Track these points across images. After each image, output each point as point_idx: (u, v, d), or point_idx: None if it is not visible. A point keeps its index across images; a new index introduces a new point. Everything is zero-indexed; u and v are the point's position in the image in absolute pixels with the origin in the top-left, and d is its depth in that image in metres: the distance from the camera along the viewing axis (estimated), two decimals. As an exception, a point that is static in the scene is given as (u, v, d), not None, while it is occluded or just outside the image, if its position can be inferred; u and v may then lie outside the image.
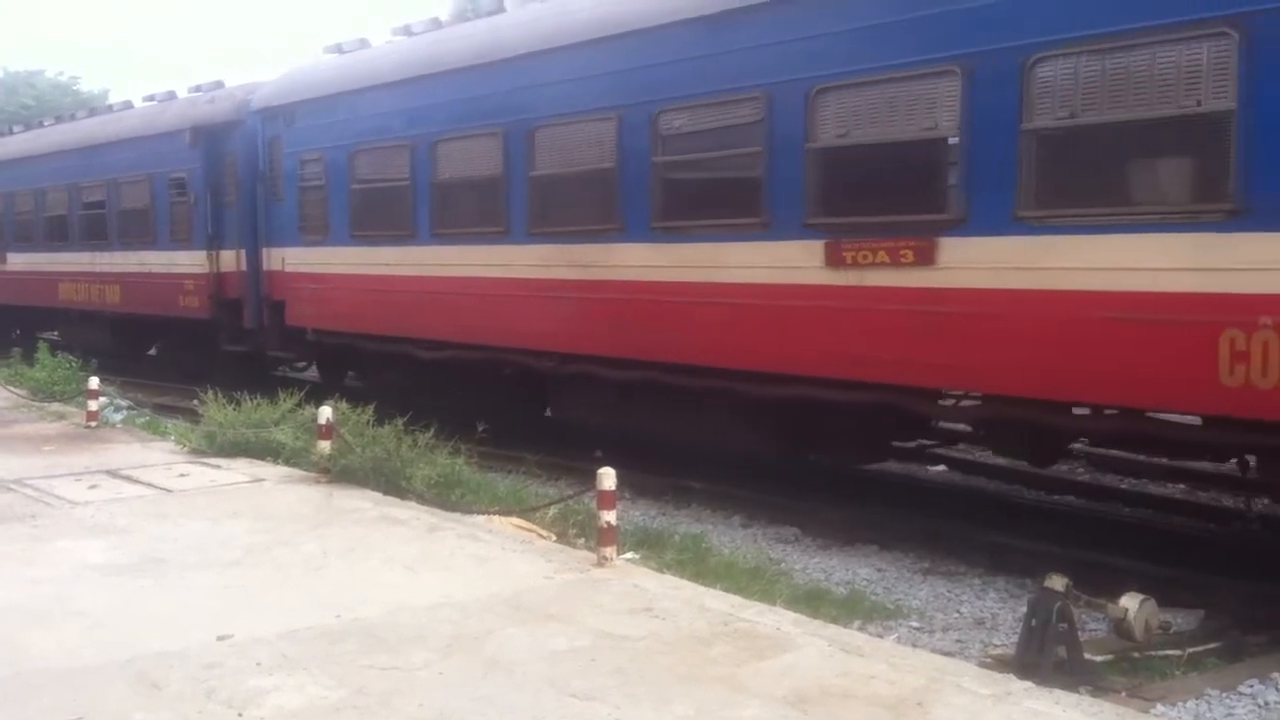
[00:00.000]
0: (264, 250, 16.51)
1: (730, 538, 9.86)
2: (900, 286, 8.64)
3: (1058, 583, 6.20)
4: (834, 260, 9.03)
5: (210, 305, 17.75)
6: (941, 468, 12.43)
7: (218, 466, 10.75)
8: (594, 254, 11.16)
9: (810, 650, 5.67)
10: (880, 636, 6.91)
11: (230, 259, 17.36)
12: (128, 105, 21.84)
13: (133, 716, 4.88)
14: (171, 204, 18.78)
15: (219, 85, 18.82)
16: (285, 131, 15.76)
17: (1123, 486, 11.41)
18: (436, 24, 14.38)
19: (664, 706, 4.95)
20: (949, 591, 8.35)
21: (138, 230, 19.73)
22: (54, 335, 23.69)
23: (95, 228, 21.15)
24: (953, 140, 8.39)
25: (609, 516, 7.26)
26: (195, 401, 13.34)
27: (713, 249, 10.07)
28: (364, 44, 15.66)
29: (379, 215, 14.04)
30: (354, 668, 5.41)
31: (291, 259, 15.84)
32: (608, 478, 7.24)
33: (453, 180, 12.97)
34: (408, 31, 14.65)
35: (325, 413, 10.13)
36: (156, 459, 11.23)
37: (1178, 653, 6.59)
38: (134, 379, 19.27)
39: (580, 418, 12.54)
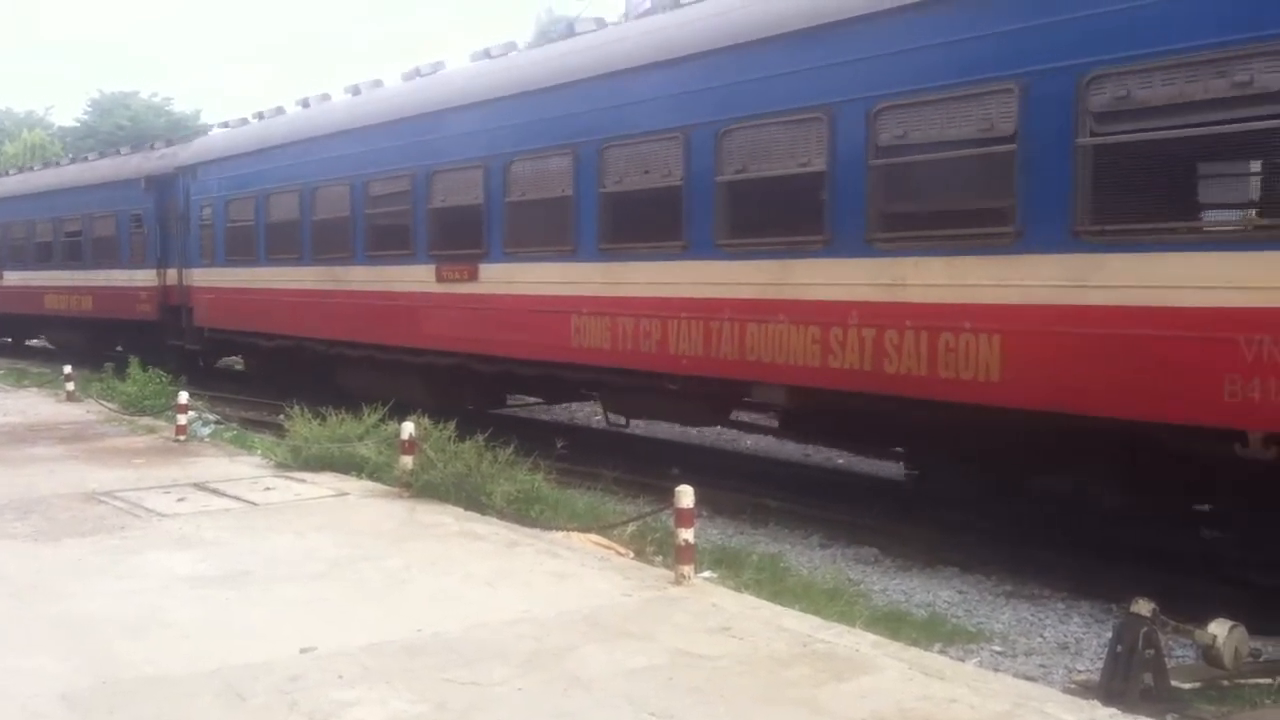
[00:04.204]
0: (182, 270, 22.00)
1: (809, 558, 9.81)
2: (465, 293, 14.05)
3: (1144, 608, 6.09)
4: (440, 277, 14.48)
5: (158, 310, 22.97)
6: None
7: (303, 481, 10.93)
8: (340, 273, 16.68)
9: (890, 673, 5.62)
10: (961, 660, 6.82)
11: (173, 275, 22.45)
12: (101, 155, 28.17)
13: (219, 726, 4.97)
14: (131, 234, 24.09)
15: (169, 143, 24.60)
16: (192, 183, 21.35)
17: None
18: (280, 111, 19.64)
19: (742, 727, 4.94)
20: (1032, 615, 8.23)
21: (106, 253, 25.05)
22: (40, 339, 31.30)
23: (74, 251, 26.64)
24: (481, 207, 13.73)
25: (687, 534, 7.26)
26: (281, 416, 13.62)
27: (389, 270, 15.54)
28: (244, 121, 21.06)
29: (241, 244, 19.49)
30: (434, 682, 5.47)
31: (196, 276, 21.32)
32: (686, 495, 7.24)
33: (277, 221, 18.34)
34: (260, 115, 20.34)
35: (408, 428, 10.25)
36: (243, 473, 11.45)
37: (1268, 681, 6.43)
38: (222, 394, 19.91)
39: (352, 385, 16.84)
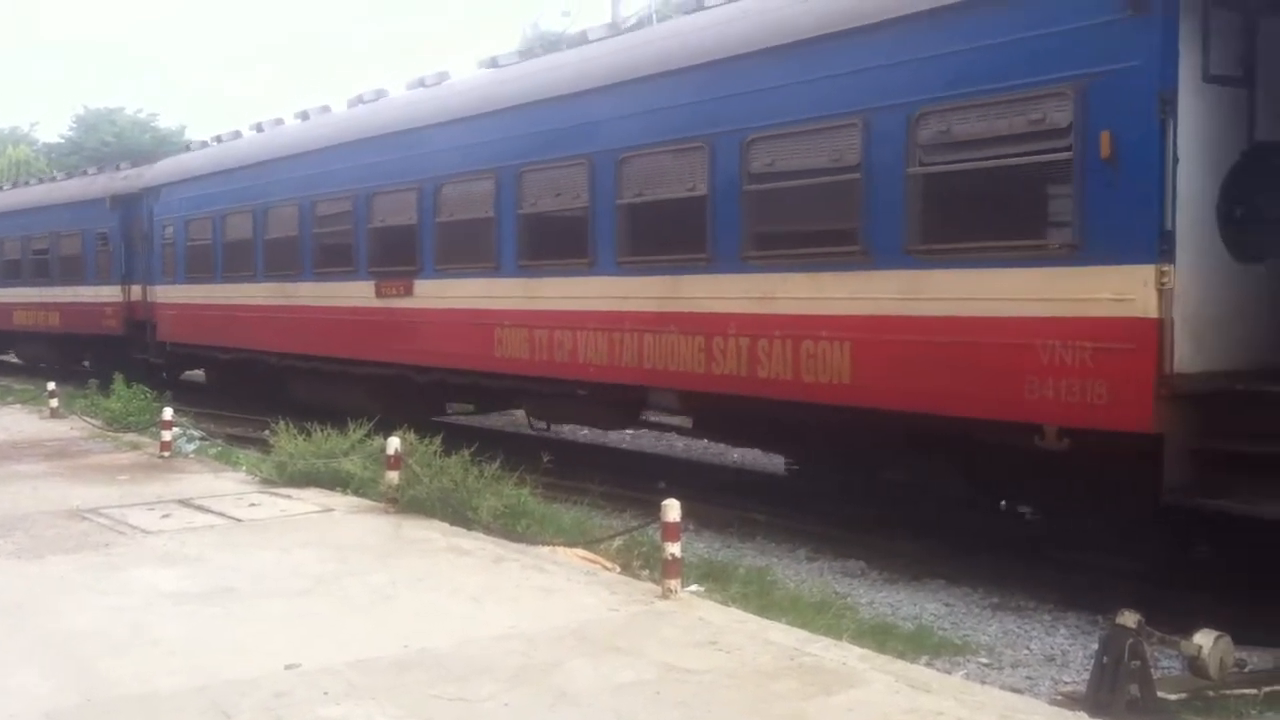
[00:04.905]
0: (145, 286, 23.02)
1: (796, 571, 9.81)
2: (402, 307, 15.13)
3: (1130, 619, 6.09)
4: (380, 292, 15.55)
5: (123, 325, 23.92)
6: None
7: (288, 496, 10.89)
8: (290, 289, 17.80)
9: (877, 686, 5.63)
10: (948, 673, 6.83)
11: (138, 292, 23.43)
12: (69, 175, 29.23)
13: (204, 744, 4.95)
14: (97, 251, 25.11)
15: (134, 165, 25.42)
16: (156, 204, 22.46)
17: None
18: (238, 135, 21.04)
19: (729, 741, 4.93)
20: (1018, 627, 8.24)
21: (73, 270, 26.02)
22: (10, 355, 32.54)
23: (41, 268, 27.70)
24: (415, 226, 14.78)
25: (674, 548, 7.26)
26: (266, 432, 13.60)
27: (334, 285, 16.60)
28: (205, 144, 22.29)
29: (200, 262, 20.66)
30: (421, 698, 5.45)
31: (159, 293, 22.45)
32: (672, 509, 7.24)
33: (233, 240, 19.56)
34: (218, 139, 21.53)
35: (394, 443, 10.22)
36: (228, 489, 11.40)
37: (1253, 691, 6.44)
38: (207, 409, 19.90)
39: (302, 395, 18.20)
